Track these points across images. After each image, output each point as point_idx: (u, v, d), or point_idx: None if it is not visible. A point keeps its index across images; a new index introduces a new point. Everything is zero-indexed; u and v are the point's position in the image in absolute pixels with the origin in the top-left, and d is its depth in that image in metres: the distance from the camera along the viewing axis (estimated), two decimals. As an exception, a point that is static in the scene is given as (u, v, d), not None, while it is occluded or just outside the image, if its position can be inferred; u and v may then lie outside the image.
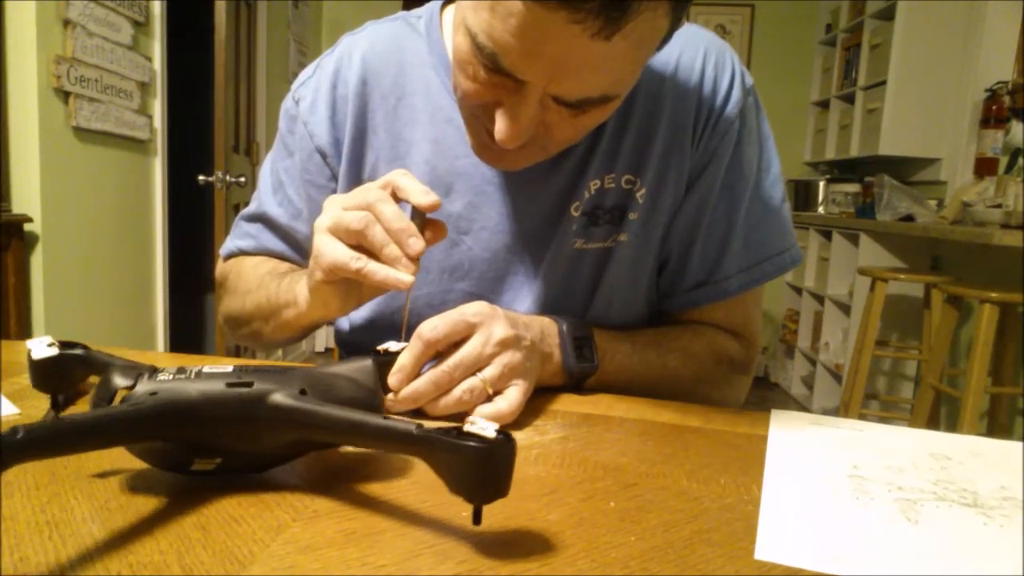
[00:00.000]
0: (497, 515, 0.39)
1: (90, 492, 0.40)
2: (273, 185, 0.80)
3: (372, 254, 0.54)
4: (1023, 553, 0.38)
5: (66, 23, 2.08)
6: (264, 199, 0.80)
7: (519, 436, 0.52)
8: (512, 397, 0.55)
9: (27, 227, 2.00)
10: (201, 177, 2.74)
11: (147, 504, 0.38)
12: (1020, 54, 2.95)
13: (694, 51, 0.71)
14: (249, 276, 0.77)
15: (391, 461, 0.46)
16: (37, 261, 2.05)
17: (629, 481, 0.45)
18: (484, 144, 0.62)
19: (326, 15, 4.41)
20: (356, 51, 0.74)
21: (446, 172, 0.71)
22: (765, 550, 0.37)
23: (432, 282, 0.73)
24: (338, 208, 0.56)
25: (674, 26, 0.53)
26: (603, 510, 0.41)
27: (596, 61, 0.49)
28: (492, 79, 0.53)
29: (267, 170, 0.81)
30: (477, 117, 0.60)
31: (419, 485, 0.43)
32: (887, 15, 3.38)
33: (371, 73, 0.73)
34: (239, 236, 0.83)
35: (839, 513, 0.42)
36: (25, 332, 1.97)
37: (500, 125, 0.55)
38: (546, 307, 0.73)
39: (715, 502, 0.43)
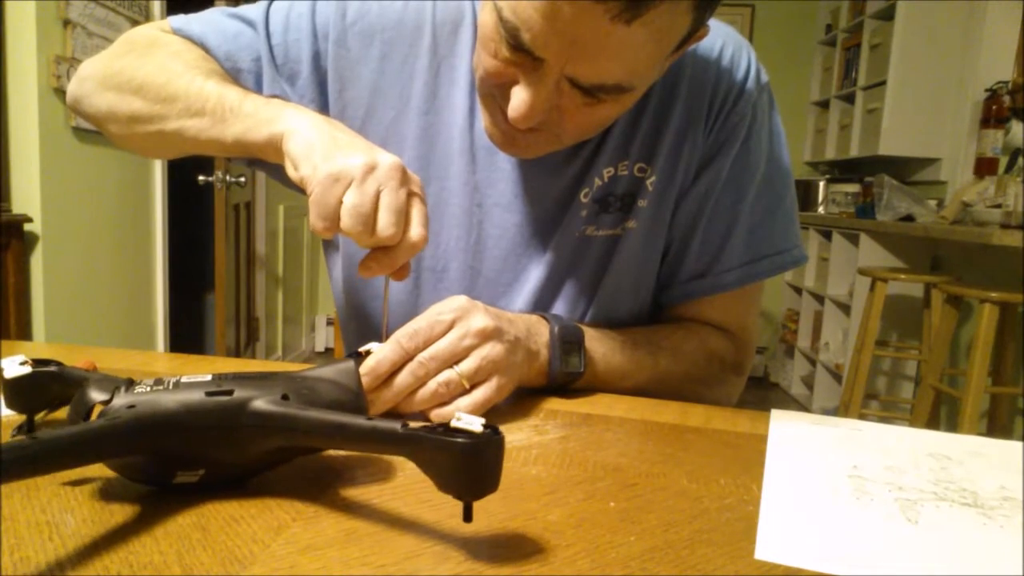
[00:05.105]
0: (497, 515, 0.39)
1: (90, 492, 0.40)
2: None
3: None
4: (1023, 553, 0.38)
5: (66, 23, 2.08)
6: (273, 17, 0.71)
7: (519, 436, 0.52)
8: (478, 396, 0.54)
9: (27, 227, 2.00)
10: (201, 177, 2.74)
11: (147, 504, 0.38)
12: (1020, 54, 2.95)
13: (711, 42, 0.71)
14: (180, 53, 0.67)
15: (391, 460, 0.46)
16: (37, 261, 2.05)
17: (629, 481, 0.45)
18: (498, 126, 0.63)
19: (326, 15, 4.40)
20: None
21: (477, 136, 0.71)
22: (765, 550, 0.37)
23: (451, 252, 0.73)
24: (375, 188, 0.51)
25: (694, 28, 0.54)
26: (603, 510, 0.41)
27: (614, 45, 0.50)
28: (512, 57, 0.54)
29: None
30: (493, 97, 0.61)
31: (420, 484, 0.43)
32: (887, 15, 3.38)
33: (437, 26, 0.71)
34: (204, 23, 0.72)
35: (839, 513, 0.42)
36: (25, 332, 1.97)
37: (515, 102, 0.56)
38: (552, 291, 0.72)
39: (715, 502, 0.43)
